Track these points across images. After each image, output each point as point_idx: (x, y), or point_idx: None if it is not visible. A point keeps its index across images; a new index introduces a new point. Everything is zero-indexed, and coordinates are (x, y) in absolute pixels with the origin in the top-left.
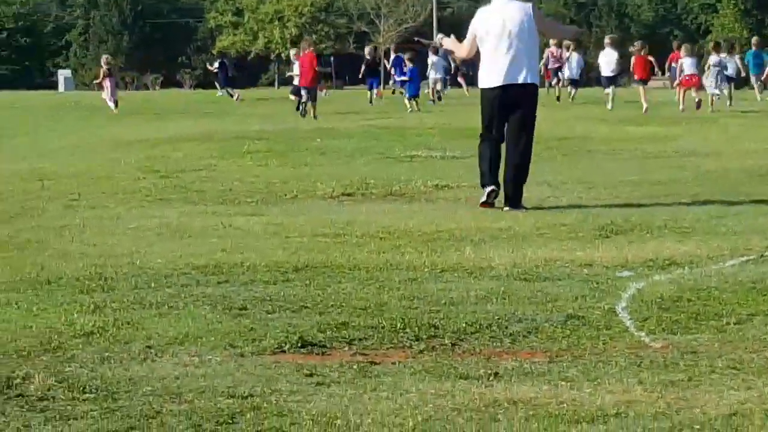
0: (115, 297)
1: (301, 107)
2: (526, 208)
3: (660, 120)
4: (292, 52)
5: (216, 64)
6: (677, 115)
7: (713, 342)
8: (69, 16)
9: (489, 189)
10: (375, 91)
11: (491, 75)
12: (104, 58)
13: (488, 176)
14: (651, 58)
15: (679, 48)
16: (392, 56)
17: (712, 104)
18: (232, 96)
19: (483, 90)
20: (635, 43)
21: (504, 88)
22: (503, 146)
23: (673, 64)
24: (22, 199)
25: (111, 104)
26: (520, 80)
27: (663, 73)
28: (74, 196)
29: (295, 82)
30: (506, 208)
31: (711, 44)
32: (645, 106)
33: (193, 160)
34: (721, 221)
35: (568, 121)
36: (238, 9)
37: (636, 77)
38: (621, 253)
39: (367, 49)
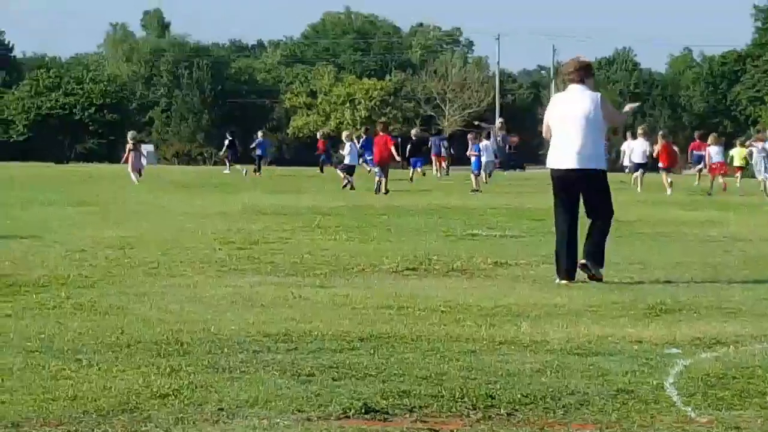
0: (191, 361)
1: (348, 183)
2: (599, 278)
3: (709, 205)
4: (344, 133)
5: (226, 142)
6: (724, 201)
7: (756, 418)
8: (153, 94)
9: (560, 282)
10: (418, 168)
11: (557, 157)
12: (130, 134)
13: (562, 262)
14: (675, 147)
15: (701, 138)
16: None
17: (764, 189)
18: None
19: (550, 170)
20: (660, 132)
21: (567, 171)
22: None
23: (695, 152)
24: (106, 265)
25: (133, 176)
26: (583, 165)
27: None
28: (154, 264)
29: (346, 161)
30: (582, 261)
31: (758, 133)
32: (669, 191)
33: (267, 233)
34: (766, 303)
35: (623, 204)
36: (312, 91)
37: (661, 165)
38: (670, 331)
39: (413, 131)
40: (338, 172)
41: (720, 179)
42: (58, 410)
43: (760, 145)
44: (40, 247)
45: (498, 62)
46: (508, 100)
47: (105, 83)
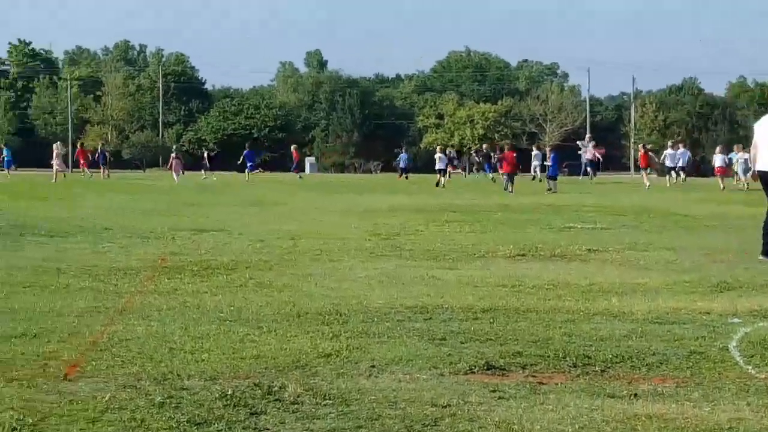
0: (348, 328)
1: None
2: None
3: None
4: (438, 148)
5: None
6: None
7: None
8: (314, 117)
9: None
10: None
11: (761, 163)
12: (175, 146)
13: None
14: (651, 153)
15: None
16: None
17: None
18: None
19: (759, 171)
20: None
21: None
22: None
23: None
24: (280, 252)
25: (176, 177)
26: None
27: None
28: (318, 251)
29: (438, 166)
30: (761, 258)
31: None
32: (647, 184)
33: (407, 227)
34: None
35: (682, 202)
36: (439, 114)
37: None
38: (732, 304)
39: (484, 146)
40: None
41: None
42: (245, 366)
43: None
44: (228, 238)
45: (588, 89)
46: (596, 119)
47: (276, 109)
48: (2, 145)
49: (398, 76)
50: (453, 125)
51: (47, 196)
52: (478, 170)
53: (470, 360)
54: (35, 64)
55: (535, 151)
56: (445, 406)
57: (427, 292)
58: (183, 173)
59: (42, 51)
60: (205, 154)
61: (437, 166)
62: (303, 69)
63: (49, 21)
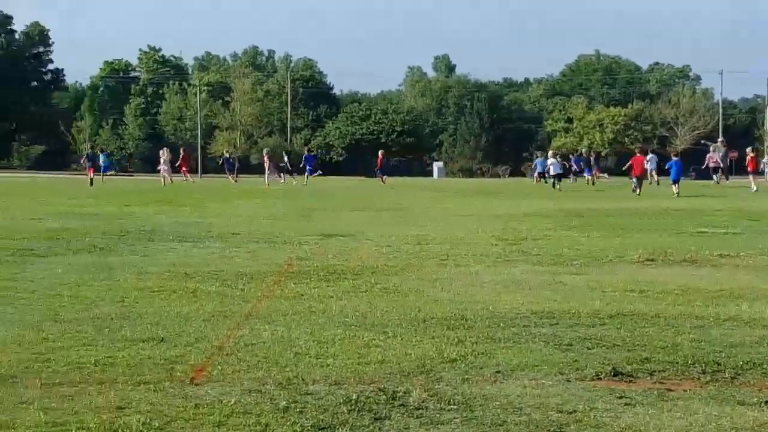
0: (473, 333)
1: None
2: None
3: None
4: (550, 152)
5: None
6: None
7: None
8: (442, 122)
9: None
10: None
11: None
12: (265, 150)
13: None
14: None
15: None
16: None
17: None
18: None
19: None
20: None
21: None
22: None
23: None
24: (406, 257)
25: (275, 179)
26: None
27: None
28: (444, 256)
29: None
30: None
31: None
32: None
33: (534, 231)
34: None
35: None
36: (568, 118)
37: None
38: None
39: (583, 150)
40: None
41: None
42: (370, 371)
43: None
44: (355, 243)
45: (721, 92)
46: (729, 123)
47: (404, 114)
48: (98, 151)
49: (527, 80)
50: (582, 129)
51: (176, 201)
52: (576, 175)
53: (597, 366)
54: (165, 71)
55: (551, 159)
56: (571, 412)
57: (553, 297)
58: (280, 176)
59: (172, 57)
60: (286, 159)
61: (552, 172)
62: (431, 73)
63: (179, 28)
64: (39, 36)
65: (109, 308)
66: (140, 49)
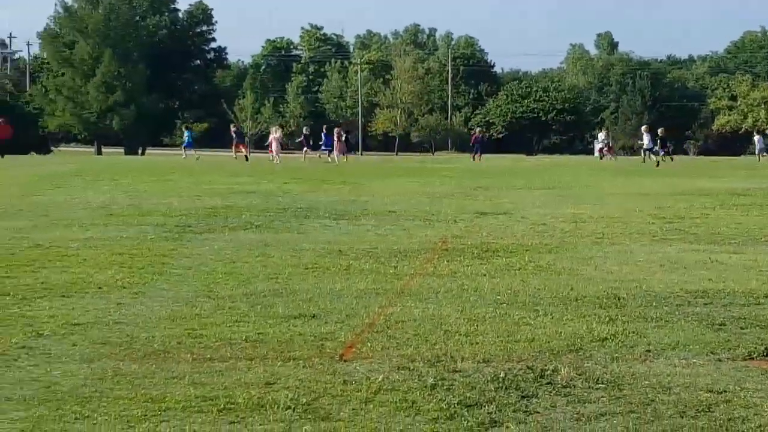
0: (625, 312)
1: None
2: None
3: None
4: None
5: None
6: None
7: None
8: (603, 100)
9: None
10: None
11: None
12: (336, 129)
13: None
14: None
15: None
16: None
17: None
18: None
19: None
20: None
21: None
22: None
23: None
24: (561, 236)
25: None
26: None
27: None
28: (599, 234)
29: None
30: None
31: None
32: None
33: (692, 210)
34: None
35: None
36: (732, 95)
37: None
38: None
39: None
40: None
41: None
42: (519, 349)
43: None
44: (510, 221)
45: None
46: None
47: (565, 92)
48: (183, 128)
49: (690, 57)
50: (746, 107)
51: (333, 180)
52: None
53: (749, 346)
54: (326, 49)
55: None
56: (721, 392)
57: (708, 276)
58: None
59: (333, 36)
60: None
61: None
62: (593, 51)
63: (340, 6)
64: (202, 15)
65: (262, 285)
66: (302, 28)
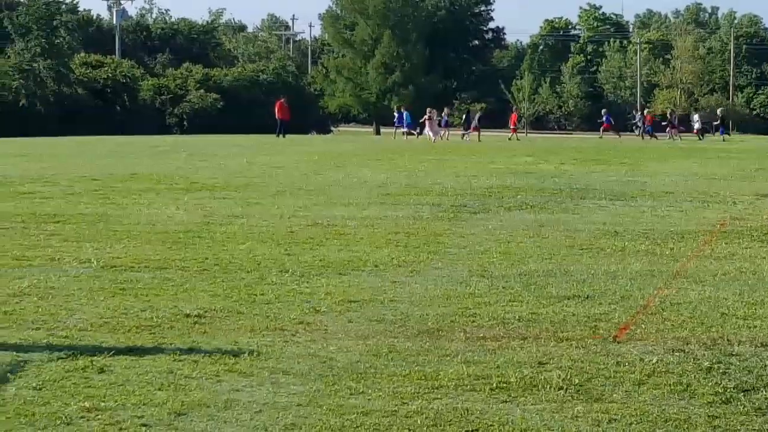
0: None
1: None
2: None
3: None
4: None
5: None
6: None
7: None
8: None
9: None
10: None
11: None
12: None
13: None
14: None
15: None
16: None
17: None
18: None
19: None
20: None
21: None
22: None
23: None
24: None
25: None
26: None
27: None
28: None
29: None
30: None
31: None
32: None
33: None
34: None
35: None
36: None
37: None
38: None
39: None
40: None
41: None
42: None
43: None
44: None
45: None
46: None
47: None
48: (401, 108)
49: None
50: None
51: (612, 160)
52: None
53: None
54: (605, 29)
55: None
56: None
57: None
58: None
59: (612, 15)
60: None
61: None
62: None
63: None
64: None
65: (536, 265)
66: (580, 7)
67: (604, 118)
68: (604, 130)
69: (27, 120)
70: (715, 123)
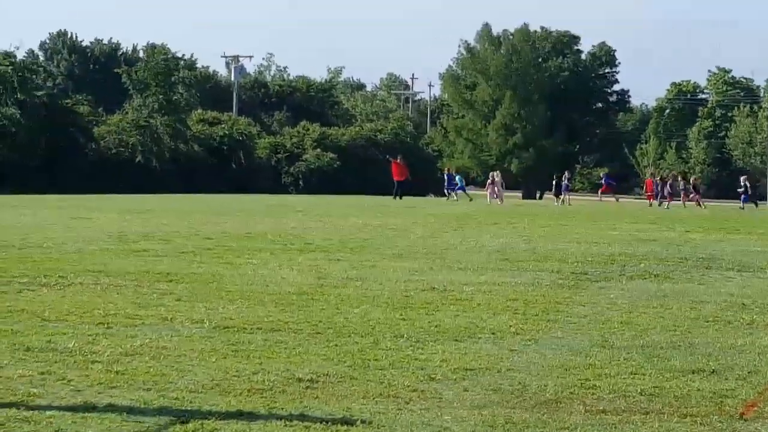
0: None
1: None
2: None
3: None
4: None
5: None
6: None
7: None
8: None
9: None
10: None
11: None
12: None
13: None
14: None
15: None
16: None
17: None
18: None
19: None
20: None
21: None
22: None
23: None
24: None
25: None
26: None
27: None
28: None
29: None
30: None
31: None
32: None
33: None
34: None
35: None
36: None
37: None
38: None
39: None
40: None
41: None
42: None
43: None
44: None
45: None
46: None
47: None
48: (453, 173)
49: None
50: None
51: (742, 229)
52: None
53: None
54: (734, 93)
55: None
56: None
57: None
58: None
59: (743, 79)
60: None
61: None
62: None
63: (750, 48)
64: (605, 56)
65: (659, 336)
66: (709, 71)
67: (603, 180)
68: (602, 193)
69: (143, 176)
70: None
